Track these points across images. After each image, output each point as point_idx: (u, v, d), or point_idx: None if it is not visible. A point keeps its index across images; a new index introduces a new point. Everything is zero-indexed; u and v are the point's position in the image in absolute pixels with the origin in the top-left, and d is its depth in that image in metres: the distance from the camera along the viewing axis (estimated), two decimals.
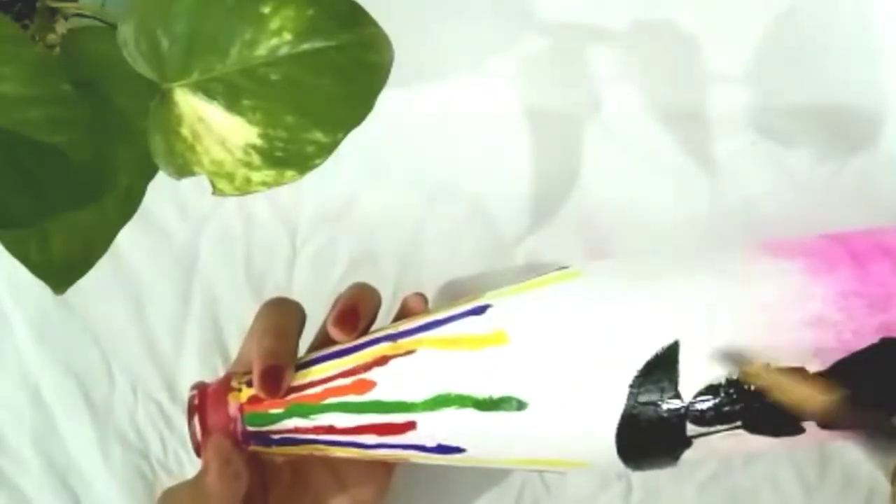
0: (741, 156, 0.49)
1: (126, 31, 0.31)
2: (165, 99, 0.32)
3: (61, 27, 0.38)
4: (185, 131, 0.32)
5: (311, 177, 0.32)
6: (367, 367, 0.39)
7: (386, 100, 0.32)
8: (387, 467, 0.43)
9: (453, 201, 0.50)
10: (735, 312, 0.37)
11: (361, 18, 0.31)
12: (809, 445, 0.39)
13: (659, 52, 0.49)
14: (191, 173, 0.32)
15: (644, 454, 0.38)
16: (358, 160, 0.50)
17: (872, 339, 0.36)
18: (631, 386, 0.36)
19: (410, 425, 0.38)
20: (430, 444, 0.38)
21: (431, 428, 0.38)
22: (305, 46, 0.31)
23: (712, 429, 0.37)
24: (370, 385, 0.39)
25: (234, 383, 0.41)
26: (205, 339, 0.50)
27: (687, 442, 0.37)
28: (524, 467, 0.40)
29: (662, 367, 0.36)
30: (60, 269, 0.37)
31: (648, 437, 0.37)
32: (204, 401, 0.40)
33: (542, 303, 0.40)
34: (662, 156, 0.49)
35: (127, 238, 0.47)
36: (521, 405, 0.37)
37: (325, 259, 0.50)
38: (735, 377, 0.36)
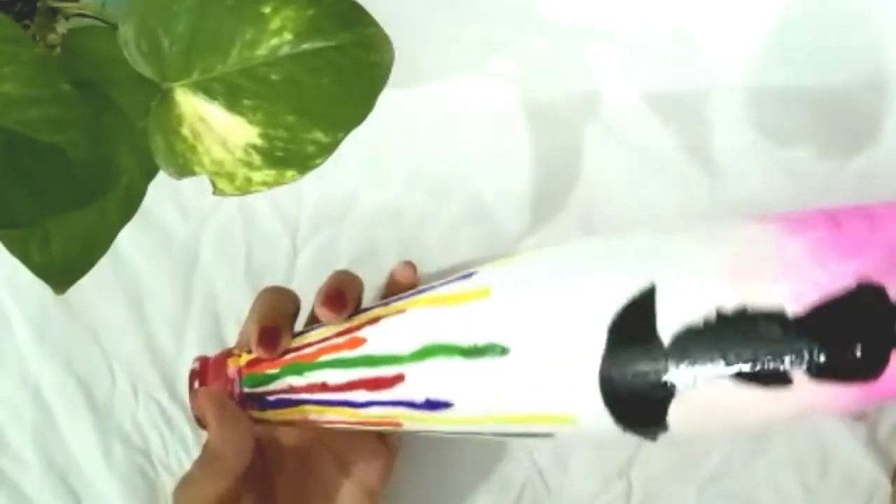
0: (741, 155, 0.49)
1: (127, 31, 0.31)
2: (166, 99, 0.32)
3: (62, 27, 0.38)
4: (185, 131, 0.32)
5: (311, 176, 0.32)
6: (359, 326, 0.41)
7: (386, 99, 0.32)
8: (389, 451, 0.44)
9: (453, 200, 0.50)
10: (712, 259, 0.38)
11: (362, 18, 0.31)
12: (800, 411, 0.38)
13: (659, 52, 0.49)
14: (191, 173, 0.32)
15: (628, 402, 0.37)
16: (358, 160, 0.50)
17: (849, 284, 0.37)
18: (609, 330, 0.37)
19: (399, 378, 0.39)
20: (419, 398, 0.39)
21: (419, 380, 0.39)
22: (306, 46, 0.31)
23: (694, 372, 0.36)
24: (361, 341, 0.40)
25: (235, 351, 0.43)
26: (205, 338, 0.50)
27: (672, 387, 0.37)
28: (512, 428, 0.39)
29: (639, 310, 0.37)
30: (61, 268, 0.37)
31: (631, 380, 0.37)
32: (205, 367, 0.42)
33: (525, 262, 0.41)
34: (662, 155, 0.49)
35: (127, 238, 0.47)
36: (504, 350, 0.38)
37: (326, 258, 0.50)
38: (713, 319, 0.36)
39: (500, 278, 0.40)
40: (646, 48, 0.49)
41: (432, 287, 0.42)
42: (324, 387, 0.40)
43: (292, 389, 0.41)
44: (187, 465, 0.49)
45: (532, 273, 0.40)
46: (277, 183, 0.32)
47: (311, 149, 0.32)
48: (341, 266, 0.50)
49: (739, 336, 0.36)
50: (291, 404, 0.41)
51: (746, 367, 0.36)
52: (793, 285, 0.37)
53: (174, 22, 0.31)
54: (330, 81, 0.31)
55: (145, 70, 0.32)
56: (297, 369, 0.41)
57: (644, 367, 0.37)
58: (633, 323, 0.37)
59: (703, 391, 0.37)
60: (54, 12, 0.38)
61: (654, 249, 0.39)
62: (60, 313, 0.50)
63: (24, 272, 0.36)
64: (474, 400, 0.39)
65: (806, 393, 0.37)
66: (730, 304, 0.36)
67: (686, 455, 0.48)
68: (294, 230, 0.51)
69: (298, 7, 0.31)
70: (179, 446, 0.50)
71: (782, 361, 0.36)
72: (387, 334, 0.40)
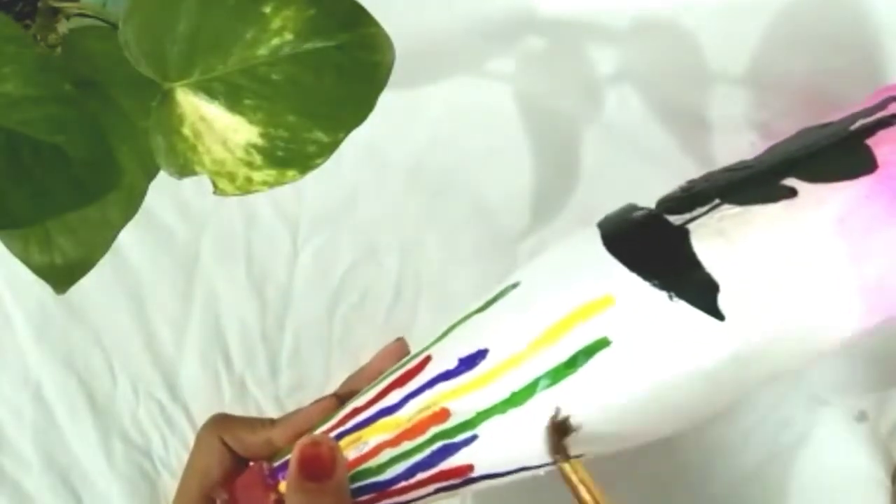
0: (741, 155, 0.49)
1: (127, 31, 0.31)
2: (167, 99, 0.32)
3: (63, 27, 0.38)
4: (186, 131, 0.32)
5: (312, 176, 0.32)
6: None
7: (386, 100, 0.32)
8: None
9: (454, 201, 0.50)
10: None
11: (362, 18, 0.31)
12: (823, 218, 0.36)
13: (659, 52, 0.49)
14: (192, 173, 0.32)
15: (648, 256, 0.36)
16: (359, 160, 0.50)
17: (790, 133, 0.41)
18: (599, 225, 0.38)
19: (426, 360, 0.37)
20: (452, 364, 0.36)
21: (446, 350, 0.37)
22: (307, 46, 0.31)
23: (694, 213, 0.36)
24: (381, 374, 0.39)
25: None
26: (206, 337, 0.50)
27: (680, 230, 0.36)
28: (560, 349, 0.34)
29: (621, 210, 0.39)
30: (62, 268, 0.37)
31: (638, 239, 0.36)
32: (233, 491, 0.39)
33: None
34: (662, 155, 0.49)
35: (128, 237, 0.48)
36: (514, 286, 0.37)
37: (326, 258, 0.50)
38: (686, 185, 0.38)
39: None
40: (646, 49, 0.49)
41: None
42: (354, 412, 0.38)
43: (324, 434, 0.38)
44: None
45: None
46: (278, 183, 0.32)
47: (311, 149, 0.32)
48: (342, 265, 0.50)
49: (716, 180, 0.38)
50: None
51: (739, 191, 0.36)
52: (742, 154, 0.39)
53: (175, 22, 0.31)
54: (331, 81, 0.31)
55: (146, 70, 0.32)
56: (326, 419, 0.39)
57: (642, 225, 0.37)
58: (617, 214, 0.38)
59: (716, 224, 0.35)
60: (55, 12, 0.38)
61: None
62: (61, 313, 0.50)
63: (25, 272, 0.36)
64: (505, 332, 0.36)
65: (821, 197, 0.36)
66: (696, 177, 0.38)
67: (687, 455, 0.48)
68: (295, 230, 0.51)
69: (299, 7, 0.31)
70: (180, 445, 0.50)
71: (770, 176, 0.37)
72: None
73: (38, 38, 0.38)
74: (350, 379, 0.42)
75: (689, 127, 0.49)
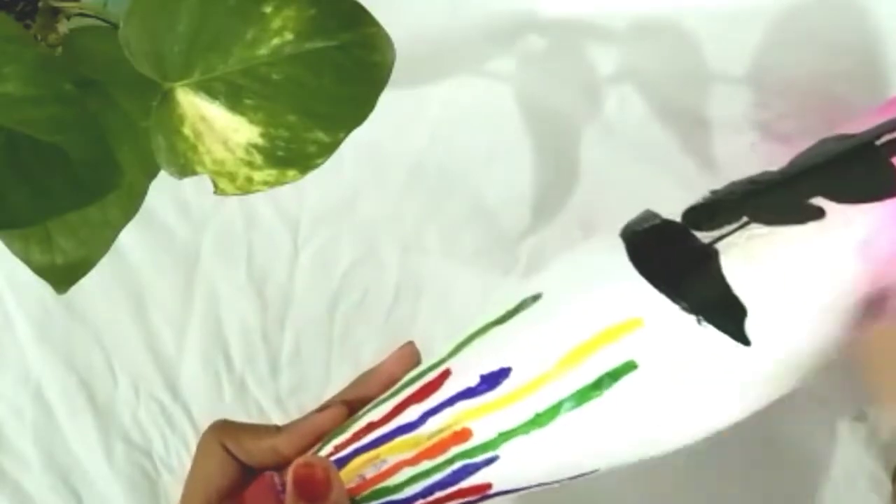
0: (741, 155, 0.49)
1: (128, 31, 0.31)
2: (167, 98, 0.32)
3: (63, 27, 0.38)
4: (186, 131, 0.32)
5: (312, 176, 0.32)
6: (396, 379, 0.38)
7: (387, 99, 0.32)
8: None
9: (454, 200, 0.50)
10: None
11: (363, 18, 0.31)
12: (850, 239, 0.36)
13: (659, 52, 0.49)
14: (192, 173, 0.32)
15: (678, 276, 0.35)
16: (359, 160, 0.50)
17: (811, 143, 0.39)
18: (621, 235, 0.36)
19: (445, 374, 0.35)
20: (474, 381, 0.35)
21: (466, 365, 0.35)
22: (307, 46, 0.31)
23: (723, 230, 0.35)
24: (397, 381, 0.38)
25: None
26: (206, 337, 0.50)
27: (709, 249, 0.35)
28: (587, 369, 0.34)
29: (640, 218, 0.37)
30: (62, 268, 0.37)
31: (667, 256, 0.35)
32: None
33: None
34: (663, 156, 0.49)
35: (129, 237, 0.48)
36: (535, 297, 0.36)
37: (327, 258, 0.50)
38: (709, 196, 0.37)
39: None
40: (646, 47, 0.49)
41: None
42: (370, 426, 0.36)
43: (337, 449, 0.37)
44: (188, 464, 0.49)
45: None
46: (278, 182, 0.32)
47: (312, 148, 0.32)
48: (342, 265, 0.50)
49: (742, 193, 0.37)
50: (342, 463, 0.36)
51: (767, 210, 0.36)
52: (765, 162, 0.38)
53: (175, 22, 0.31)
54: (331, 81, 0.31)
55: (146, 70, 0.32)
56: (339, 431, 0.37)
57: (669, 240, 0.36)
58: (639, 221, 0.37)
59: (747, 245, 0.35)
60: (56, 12, 0.38)
61: None
62: (62, 313, 0.50)
63: (25, 272, 0.36)
64: (530, 351, 0.35)
65: (847, 219, 0.35)
66: (718, 186, 0.37)
67: (687, 454, 0.48)
68: (295, 229, 0.51)
69: (300, 7, 0.31)
70: (180, 445, 0.50)
71: (797, 195, 0.36)
72: (419, 365, 0.38)
73: (39, 37, 0.38)
74: (358, 383, 0.40)
75: (689, 127, 0.49)
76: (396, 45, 0.32)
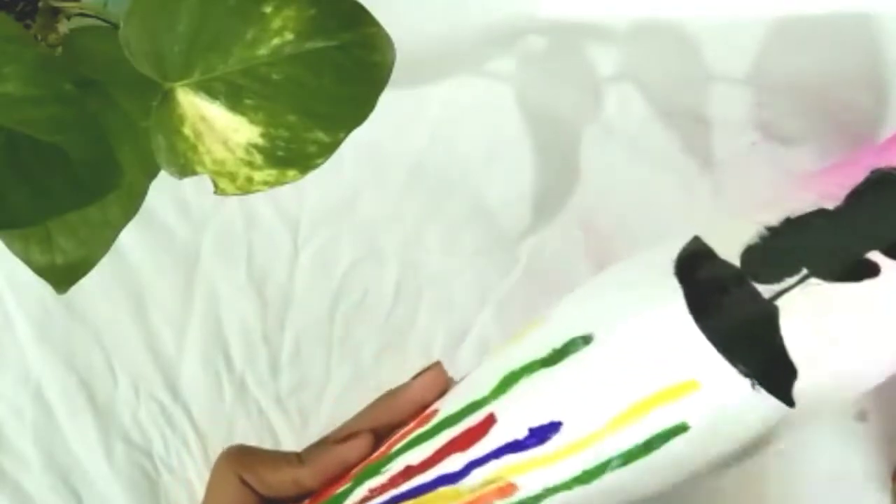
0: (742, 156, 0.49)
1: (128, 31, 0.31)
2: (167, 98, 0.32)
3: (63, 27, 0.38)
4: (187, 131, 0.32)
5: (312, 176, 0.32)
6: (426, 405, 0.37)
7: (387, 99, 0.32)
8: None
9: (454, 200, 0.50)
10: (734, 212, 0.39)
11: (363, 18, 0.31)
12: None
13: (659, 52, 0.49)
14: (193, 173, 0.32)
15: (735, 332, 0.34)
16: (359, 160, 0.50)
17: (865, 173, 0.38)
18: (676, 273, 0.35)
19: (490, 420, 0.34)
20: (522, 433, 0.34)
21: (512, 413, 0.34)
22: (307, 46, 0.31)
23: (784, 284, 0.35)
24: (433, 414, 0.36)
25: None
26: (207, 338, 0.50)
27: (770, 306, 0.34)
28: (639, 430, 0.33)
29: (695, 251, 0.36)
30: (62, 268, 0.37)
31: (727, 311, 0.34)
32: None
33: (565, 295, 0.39)
34: (663, 155, 0.49)
35: (129, 237, 0.48)
36: (586, 340, 0.35)
37: (327, 258, 0.50)
38: (766, 233, 0.36)
39: (549, 309, 0.38)
40: (646, 48, 0.49)
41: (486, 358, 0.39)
42: (408, 471, 0.35)
43: (373, 493, 0.35)
44: (188, 464, 0.49)
45: (578, 292, 0.38)
46: (279, 182, 0.32)
47: (312, 148, 0.32)
48: (342, 266, 0.50)
49: (798, 239, 0.36)
50: None
51: (826, 264, 0.35)
52: (818, 192, 0.37)
53: (175, 22, 0.31)
54: (331, 81, 0.31)
55: (147, 70, 0.32)
56: (372, 471, 0.36)
57: (730, 291, 0.35)
58: (696, 260, 0.36)
59: (806, 301, 0.35)
60: (56, 12, 0.38)
61: (679, 230, 0.39)
62: (62, 313, 0.50)
63: (25, 272, 0.36)
64: (583, 406, 0.34)
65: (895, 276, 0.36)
66: (773, 219, 0.36)
67: None
68: (295, 230, 0.51)
69: (300, 7, 0.31)
70: (181, 445, 0.50)
71: (854, 249, 0.36)
72: (458, 394, 0.36)
73: (39, 37, 0.38)
74: (382, 407, 0.38)
75: (689, 127, 0.49)
76: (396, 45, 0.32)
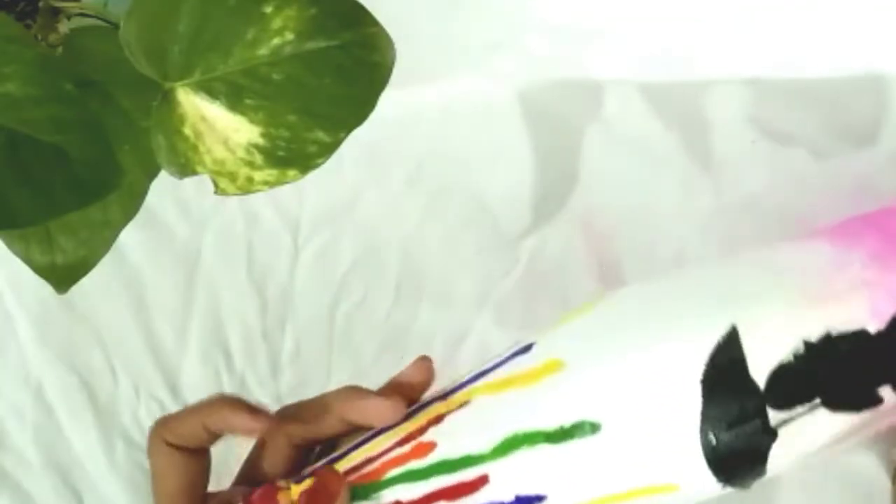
0: (742, 155, 0.49)
1: (128, 31, 0.31)
2: (168, 98, 0.32)
3: (64, 27, 0.38)
4: (187, 131, 0.32)
5: (312, 176, 0.32)
6: (422, 430, 0.37)
7: (387, 99, 0.32)
8: None
9: (455, 200, 0.50)
10: (783, 291, 0.37)
11: (363, 18, 0.31)
12: (887, 423, 0.37)
13: (659, 51, 0.49)
14: (193, 172, 0.32)
15: (731, 457, 0.35)
16: (359, 159, 0.50)
17: None
18: (703, 381, 0.35)
19: (483, 480, 0.35)
20: (508, 498, 0.35)
21: (506, 477, 0.35)
22: (307, 46, 0.31)
23: (794, 412, 0.35)
24: (430, 446, 0.36)
25: (281, 483, 0.38)
26: (207, 337, 0.50)
27: (773, 433, 0.35)
28: None
29: (728, 355, 0.35)
30: (63, 268, 0.37)
31: (733, 434, 0.35)
32: (251, 502, 0.37)
33: (588, 324, 0.38)
34: (663, 155, 0.49)
35: (129, 237, 0.48)
36: (594, 427, 0.35)
37: (327, 258, 0.50)
38: (802, 351, 0.35)
39: (568, 346, 0.37)
40: (646, 48, 0.49)
41: (488, 370, 0.38)
42: None
43: None
44: None
45: (603, 336, 0.37)
46: (279, 182, 0.32)
47: (312, 148, 0.32)
48: (343, 265, 0.50)
49: (829, 364, 0.35)
50: None
51: (841, 395, 0.35)
52: (869, 301, 0.36)
53: (176, 22, 0.31)
54: (331, 81, 0.31)
55: (147, 70, 0.32)
56: (364, 493, 0.36)
57: (745, 416, 0.35)
58: (726, 371, 0.35)
59: (801, 429, 0.35)
60: (56, 12, 0.38)
61: (724, 288, 0.38)
62: (62, 313, 0.50)
63: (26, 272, 0.36)
64: (569, 488, 0.35)
65: (891, 409, 0.36)
66: (814, 332, 0.35)
67: None
68: (295, 229, 0.51)
69: (300, 7, 0.31)
70: None
71: (873, 381, 0.36)
72: (458, 433, 0.36)
73: (40, 37, 0.38)
74: (347, 407, 0.38)
75: (690, 127, 0.49)
76: (396, 45, 0.32)
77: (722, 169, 0.49)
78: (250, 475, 0.39)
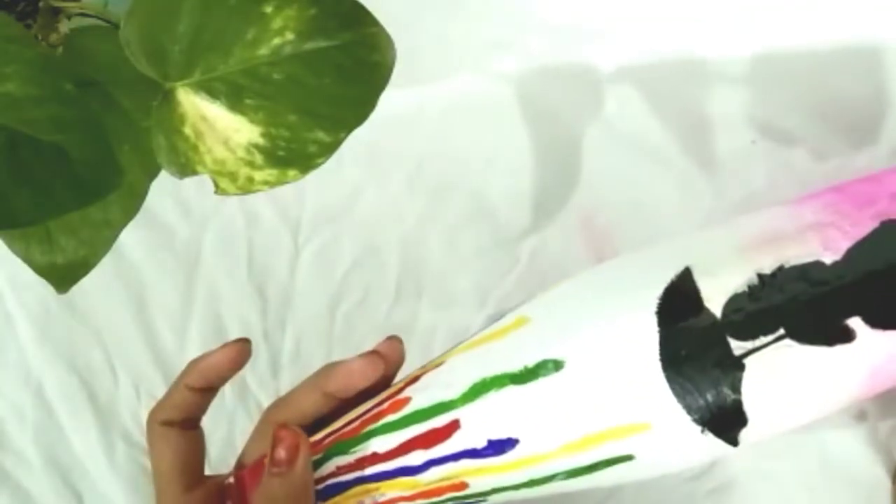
0: (742, 154, 0.49)
1: (129, 31, 0.31)
2: (168, 98, 0.32)
3: (64, 27, 0.38)
4: (187, 130, 0.32)
5: (313, 176, 0.32)
6: (399, 389, 0.38)
7: (387, 99, 0.32)
8: None
9: (454, 200, 0.50)
10: (735, 237, 0.38)
11: (363, 18, 0.32)
12: (871, 370, 0.37)
13: (659, 51, 0.49)
14: (193, 172, 0.32)
15: (699, 389, 0.35)
16: (360, 159, 0.50)
17: (873, 225, 0.37)
18: (658, 313, 0.35)
19: (454, 425, 0.36)
20: (481, 443, 0.36)
21: (476, 422, 0.36)
22: (308, 46, 0.31)
23: (757, 342, 0.35)
24: (405, 401, 0.37)
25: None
26: (207, 337, 0.50)
27: (738, 364, 0.35)
28: (588, 456, 0.36)
29: (681, 289, 0.36)
30: (63, 268, 0.37)
31: (695, 364, 0.35)
32: (241, 480, 0.38)
33: (556, 289, 0.39)
34: (663, 154, 0.49)
35: (130, 237, 0.48)
36: (557, 365, 0.36)
37: (328, 257, 0.50)
38: (756, 282, 0.36)
39: (535, 306, 0.38)
40: (646, 47, 0.49)
41: (466, 339, 0.39)
42: (374, 457, 0.37)
43: (340, 470, 0.37)
44: None
45: (566, 293, 0.39)
46: (279, 182, 0.32)
47: (312, 148, 0.32)
48: (343, 265, 0.50)
49: (787, 295, 0.36)
50: (343, 488, 0.37)
51: (805, 326, 0.35)
52: (821, 237, 0.37)
53: (176, 22, 0.31)
54: (332, 81, 0.31)
55: (147, 70, 0.32)
56: (342, 448, 0.37)
57: (703, 344, 0.35)
58: (680, 302, 0.36)
59: (773, 363, 0.35)
60: (57, 12, 0.38)
61: (680, 243, 0.39)
62: (63, 312, 0.50)
63: (26, 271, 0.36)
64: (540, 429, 0.36)
65: (871, 345, 0.36)
66: (767, 266, 0.36)
67: None
68: (296, 229, 0.51)
69: (300, 7, 0.31)
70: None
71: (838, 312, 0.36)
72: (431, 386, 0.37)
73: (40, 37, 0.38)
74: (325, 380, 0.39)
75: (689, 127, 0.49)
76: (396, 45, 0.32)
77: (722, 169, 0.49)
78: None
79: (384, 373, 0.38)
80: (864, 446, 0.47)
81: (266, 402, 0.50)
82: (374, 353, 0.38)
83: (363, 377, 0.38)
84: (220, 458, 0.49)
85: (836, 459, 0.48)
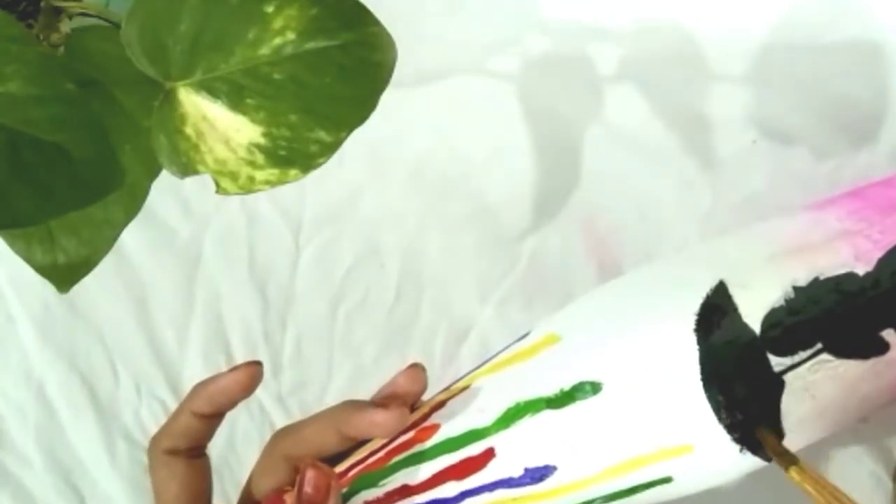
0: (742, 154, 0.49)
1: (130, 31, 0.31)
2: (169, 98, 0.32)
3: (65, 26, 0.38)
4: (188, 130, 0.32)
5: (314, 175, 0.32)
6: (425, 416, 0.36)
7: (388, 99, 0.32)
8: None
9: (455, 200, 0.50)
10: (765, 247, 0.37)
11: (364, 18, 0.32)
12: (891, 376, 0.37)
13: (659, 52, 0.49)
14: (194, 172, 0.32)
15: (739, 408, 0.34)
16: (361, 159, 0.50)
17: None
18: (696, 330, 0.34)
19: (489, 454, 0.35)
20: (517, 472, 0.34)
21: (512, 449, 0.35)
22: (309, 45, 0.31)
23: (797, 357, 0.34)
24: (434, 428, 0.36)
25: (287, 488, 0.37)
26: (208, 337, 0.50)
27: (779, 381, 0.34)
28: (627, 480, 0.34)
29: (718, 304, 0.35)
30: (64, 267, 0.37)
31: (736, 382, 0.34)
32: None
33: (582, 303, 0.38)
34: (664, 154, 0.49)
35: (131, 237, 0.48)
36: (595, 387, 0.34)
37: (329, 257, 0.50)
38: (792, 295, 0.35)
39: (563, 322, 0.37)
40: (646, 47, 0.49)
41: (488, 360, 0.38)
42: (404, 490, 0.35)
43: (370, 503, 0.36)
44: None
45: (596, 308, 0.37)
46: (280, 182, 0.32)
47: (314, 148, 0.32)
48: (344, 265, 0.51)
49: (822, 308, 0.35)
50: None
51: (842, 340, 0.35)
52: (851, 246, 0.36)
53: (177, 21, 0.31)
54: (333, 81, 0.31)
55: (148, 69, 0.32)
56: (370, 480, 0.36)
57: (744, 361, 0.34)
58: (717, 318, 0.35)
59: (811, 378, 0.34)
60: (58, 12, 0.38)
61: (707, 253, 0.38)
62: (64, 312, 0.50)
63: (27, 271, 0.36)
64: (579, 455, 0.34)
65: None
66: (801, 277, 0.35)
67: None
68: (297, 229, 0.51)
69: (301, 6, 0.31)
70: None
71: (874, 324, 0.35)
72: (461, 412, 0.36)
73: (41, 37, 0.38)
74: (345, 420, 0.37)
75: (690, 127, 0.49)
76: (397, 45, 0.32)
77: (722, 169, 0.49)
78: (252, 499, 0.38)
79: (407, 405, 0.37)
80: (863, 446, 0.47)
81: (267, 403, 0.50)
82: (399, 400, 0.36)
83: (386, 431, 0.36)
84: (221, 458, 0.49)
85: (835, 459, 0.48)
